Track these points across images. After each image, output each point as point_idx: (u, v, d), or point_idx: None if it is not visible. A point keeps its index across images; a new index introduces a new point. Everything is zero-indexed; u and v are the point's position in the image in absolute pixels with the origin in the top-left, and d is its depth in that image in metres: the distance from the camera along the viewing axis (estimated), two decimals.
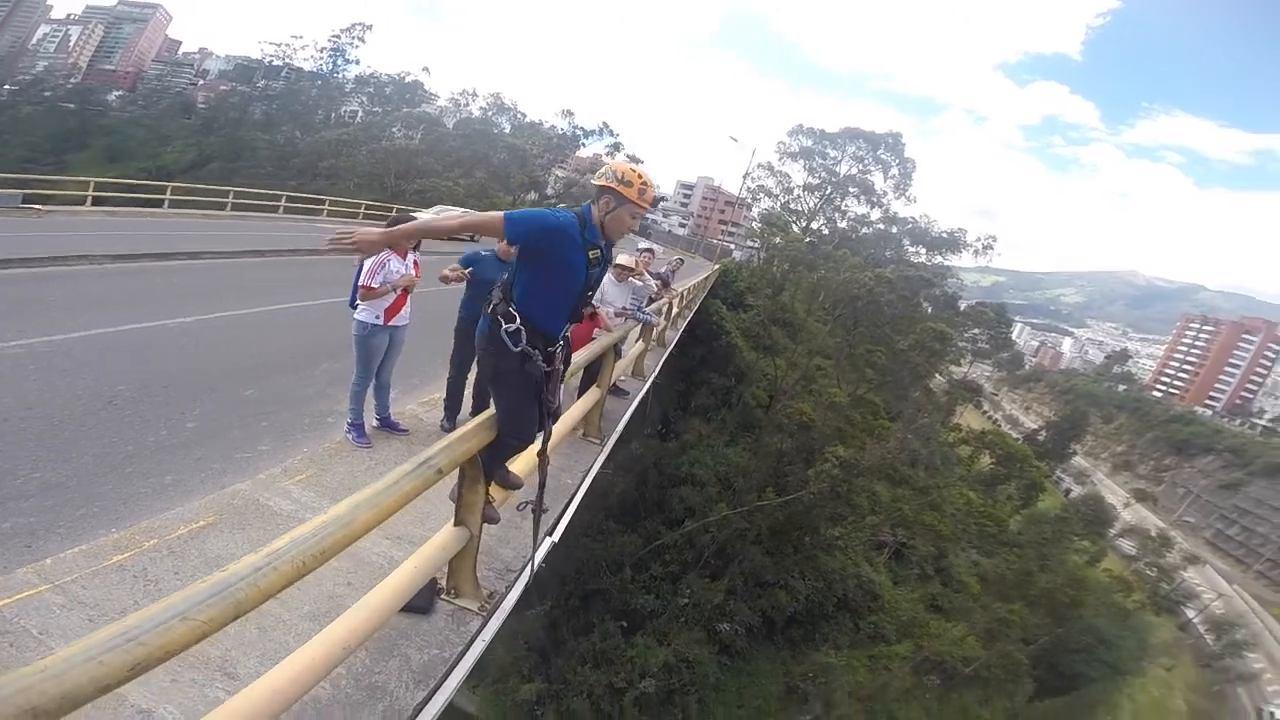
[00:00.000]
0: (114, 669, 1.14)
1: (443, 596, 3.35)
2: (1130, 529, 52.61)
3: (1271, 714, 41.17)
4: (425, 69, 59.53)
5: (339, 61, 59.12)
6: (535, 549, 3.58)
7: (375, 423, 5.74)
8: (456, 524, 3.09)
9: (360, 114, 59.51)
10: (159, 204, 22.28)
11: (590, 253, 2.91)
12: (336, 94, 59.52)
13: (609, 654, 22.31)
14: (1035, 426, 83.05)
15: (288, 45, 58.32)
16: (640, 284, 8.52)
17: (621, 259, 8.19)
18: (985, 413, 74.65)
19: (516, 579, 3.84)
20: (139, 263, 12.47)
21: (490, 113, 58.09)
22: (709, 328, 27.37)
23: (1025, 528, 36.04)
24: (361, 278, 5.12)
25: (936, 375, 44.02)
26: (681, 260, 18.18)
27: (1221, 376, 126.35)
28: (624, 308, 7.92)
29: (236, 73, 76.29)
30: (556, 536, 4.75)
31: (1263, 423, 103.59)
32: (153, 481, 4.57)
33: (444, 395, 6.33)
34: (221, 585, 1.43)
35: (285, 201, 27.96)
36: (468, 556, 3.26)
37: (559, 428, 4.88)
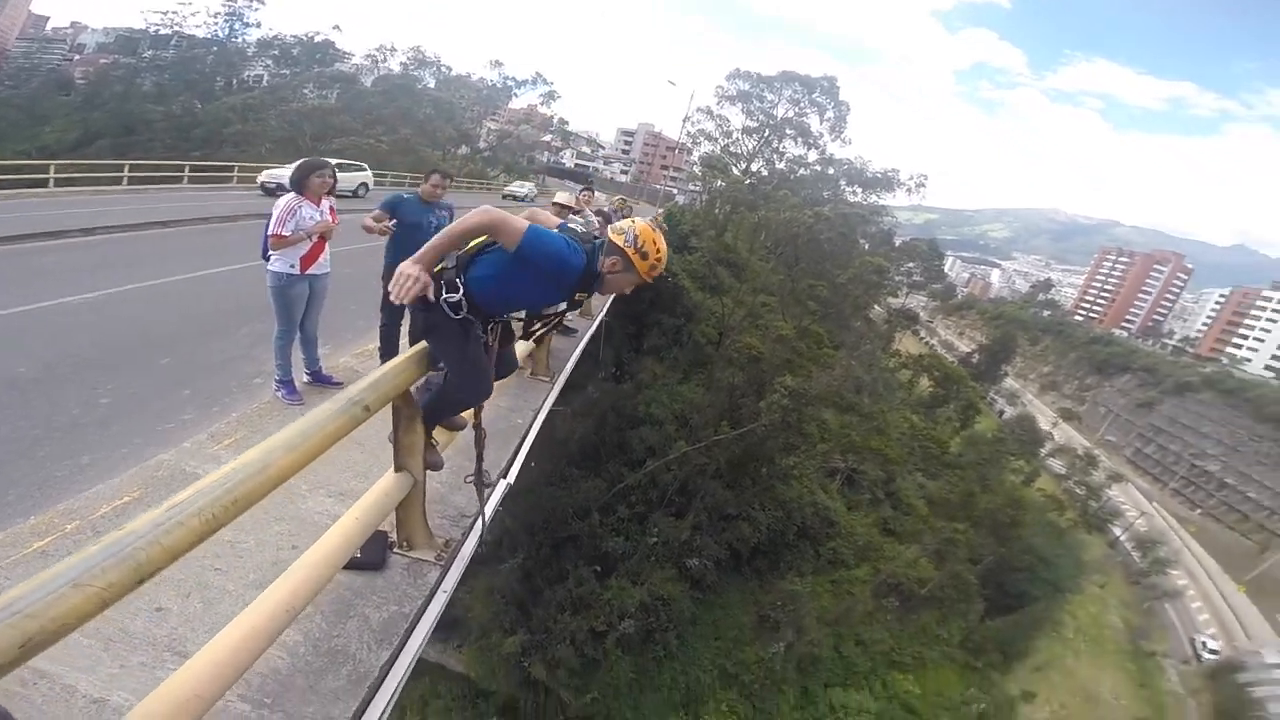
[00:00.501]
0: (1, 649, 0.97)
1: (395, 550, 3.19)
2: (1059, 448, 55.67)
3: (1204, 644, 43.90)
4: (336, 27, 57.03)
5: (236, 25, 55.39)
6: (483, 505, 3.50)
7: (306, 378, 5.54)
8: (397, 470, 2.91)
9: (266, 78, 56.08)
10: (44, 184, 20.54)
11: (577, 294, 2.87)
12: (237, 59, 55.83)
13: (586, 599, 22.64)
14: (969, 350, 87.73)
15: (175, 13, 54.05)
16: (582, 221, 8.56)
17: (560, 197, 8.20)
18: (922, 339, 78.24)
19: (473, 524, 3.71)
20: (28, 243, 11.42)
21: (411, 68, 55.78)
22: None
23: (965, 449, 38.16)
24: (271, 226, 4.83)
25: (876, 306, 45.85)
26: (631, 206, 18.04)
27: (1135, 303, 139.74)
28: None
29: (118, 45, 70.05)
30: (511, 479, 4.61)
31: (1172, 343, 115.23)
32: (68, 463, 4.30)
33: (378, 344, 6.20)
34: (118, 546, 1.24)
35: (189, 171, 26.38)
36: (414, 504, 3.09)
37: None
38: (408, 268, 2.56)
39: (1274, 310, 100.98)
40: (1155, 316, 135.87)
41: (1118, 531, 54.45)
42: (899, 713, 27.06)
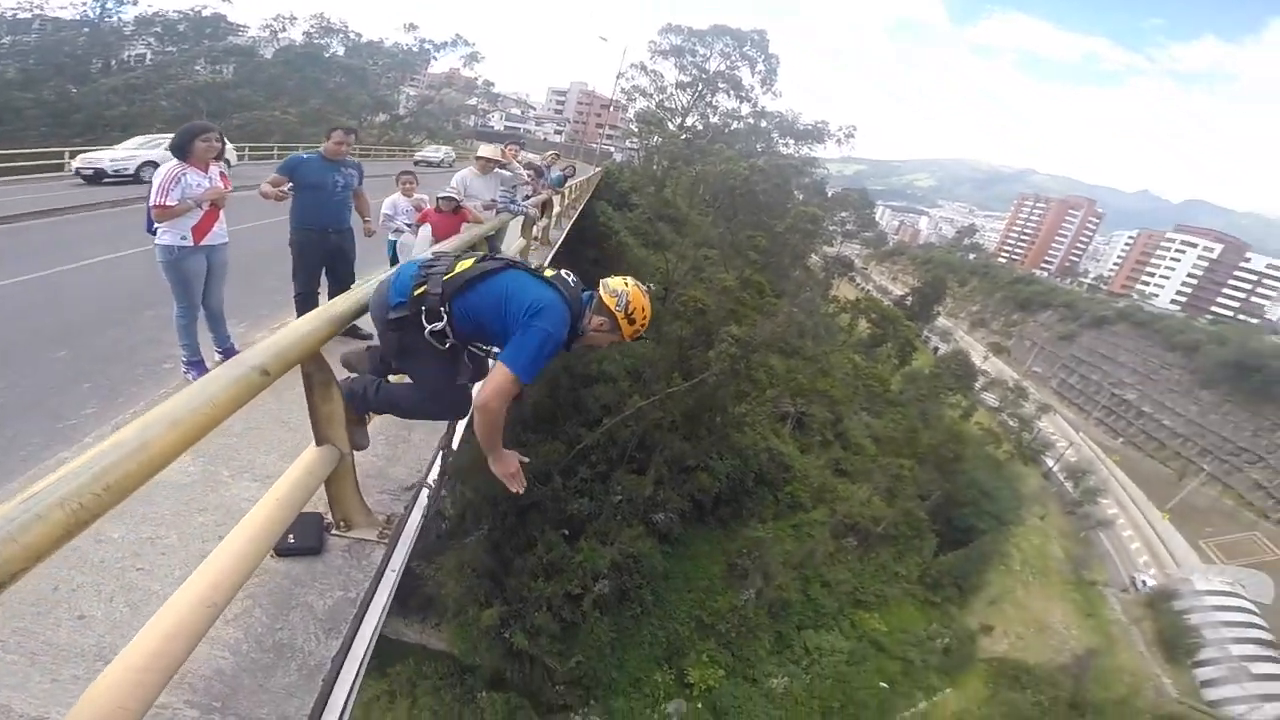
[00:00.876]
0: None
1: (333, 531, 2.95)
2: (992, 381, 57.90)
3: (1144, 581, 45.75)
4: None
5: (109, 4, 50.52)
6: (425, 476, 3.44)
7: (218, 358, 5.10)
8: (319, 443, 2.62)
9: (149, 57, 51.66)
10: None
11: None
12: (113, 39, 50.69)
13: (558, 564, 22.59)
14: (902, 294, 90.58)
15: None
16: (509, 174, 8.26)
17: (484, 150, 7.84)
18: (858, 285, 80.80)
19: (416, 497, 3.50)
20: None
21: (316, 36, 52.18)
22: (598, 230, 26.94)
23: (905, 386, 39.58)
24: (152, 197, 4.40)
25: (813, 255, 46.80)
26: (574, 166, 17.98)
27: (1053, 245, 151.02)
28: (492, 200, 7.62)
29: None
30: (454, 445, 4.31)
31: (1088, 281, 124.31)
32: None
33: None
34: None
35: (69, 159, 24.00)
36: (345, 480, 2.82)
37: None
38: (500, 469, 2.87)
39: (1176, 251, 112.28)
40: (1071, 257, 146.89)
41: (1050, 463, 57.01)
42: (868, 650, 28.14)
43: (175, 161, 4.52)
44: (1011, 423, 49.25)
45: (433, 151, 40.03)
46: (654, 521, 24.42)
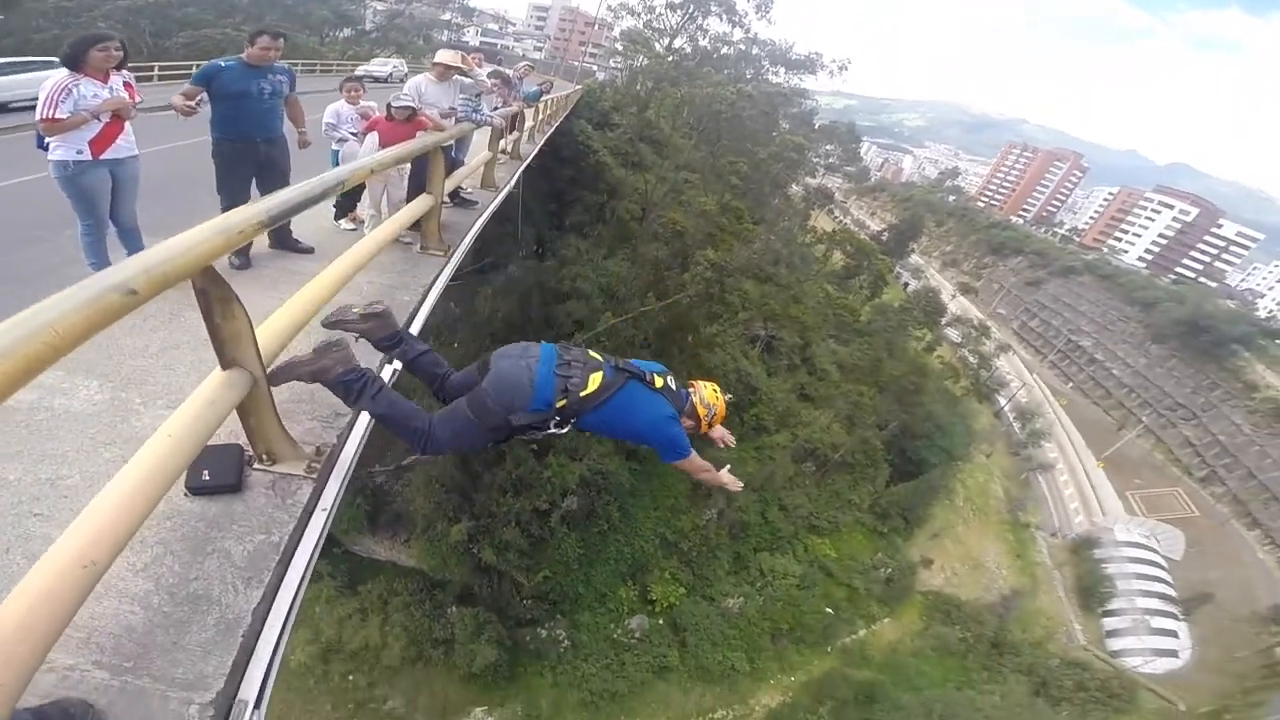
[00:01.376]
0: None
1: (255, 465, 2.63)
2: (957, 319, 58.28)
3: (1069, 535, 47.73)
4: None
5: None
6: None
7: None
8: (225, 366, 2.25)
9: None
10: None
11: None
12: None
13: (526, 479, 22.71)
14: (879, 229, 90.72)
15: None
16: (469, 81, 7.74)
17: (442, 55, 7.28)
18: (836, 218, 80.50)
19: (352, 424, 3.13)
20: None
21: None
22: (576, 148, 25.79)
23: (874, 317, 39.89)
24: (39, 110, 4.03)
25: (794, 185, 45.88)
26: (551, 82, 17.75)
27: (1033, 194, 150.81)
28: (451, 108, 7.08)
29: None
30: (398, 364, 3.90)
31: (1062, 232, 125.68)
32: None
33: None
34: None
35: None
36: (262, 407, 2.47)
37: (383, 234, 4.35)
38: (728, 486, 3.20)
39: (1153, 210, 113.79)
40: (1050, 208, 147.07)
41: (1002, 402, 58.92)
42: (818, 575, 29.48)
43: (66, 73, 4.18)
44: (971, 359, 50.20)
45: (379, 65, 34.02)
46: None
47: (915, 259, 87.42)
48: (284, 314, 2.82)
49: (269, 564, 2.29)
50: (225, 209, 5.12)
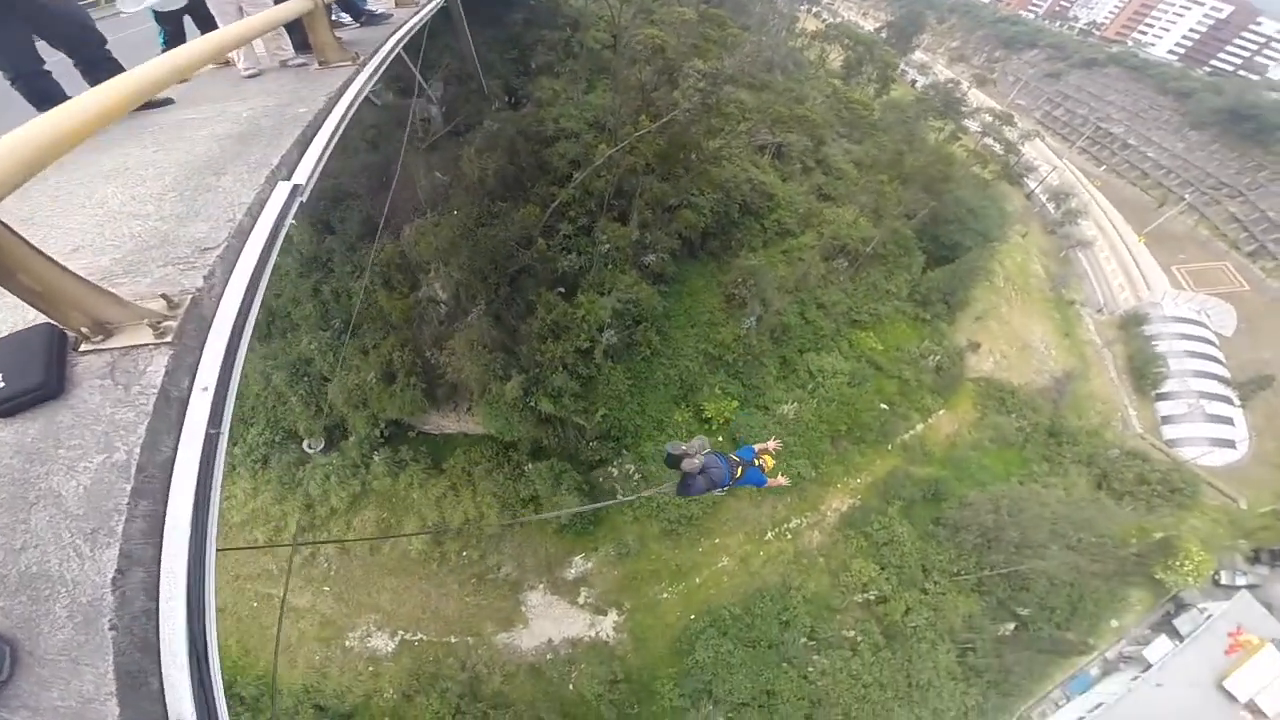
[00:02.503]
0: None
1: (81, 349, 1.74)
2: (977, 109, 54.57)
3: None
4: None
5: None
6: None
7: None
8: None
9: None
10: None
11: None
12: None
13: (561, 323, 22.12)
14: (875, 27, 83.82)
15: None
16: None
17: None
18: (824, 20, 74.31)
19: (233, 264, 2.31)
20: None
21: None
22: None
23: (885, 113, 37.29)
24: None
25: None
26: None
27: None
28: None
29: None
30: (301, 178, 3.24)
31: (1079, 26, 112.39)
32: None
33: None
34: None
35: None
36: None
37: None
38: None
39: (1180, 7, 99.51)
40: (1063, 2, 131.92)
41: (1032, 185, 55.83)
42: (868, 370, 28.66)
43: None
44: (997, 146, 47.06)
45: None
46: (646, 265, 23.74)
47: (919, 55, 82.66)
48: None
49: (119, 502, 1.46)
50: None
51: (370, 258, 21.55)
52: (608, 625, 24.14)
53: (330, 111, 4.41)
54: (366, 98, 5.51)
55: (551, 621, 24.14)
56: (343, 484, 24.15)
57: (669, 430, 24.90)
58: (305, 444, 24.96)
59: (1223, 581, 30.34)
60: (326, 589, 24.46)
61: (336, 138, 4.38)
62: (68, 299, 1.75)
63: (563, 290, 22.71)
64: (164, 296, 2.00)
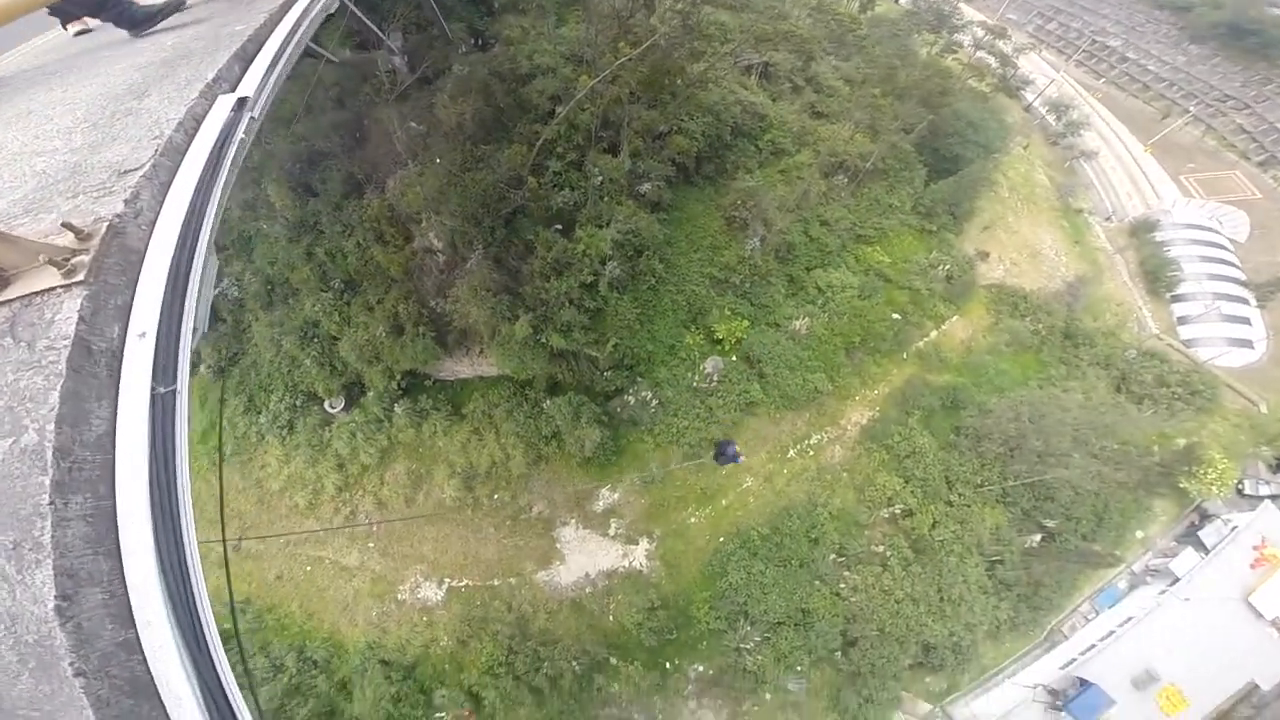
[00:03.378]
0: None
1: None
2: (969, 23, 52.26)
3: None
4: None
5: None
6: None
7: None
8: None
9: None
10: None
11: None
12: None
13: (563, 259, 21.66)
14: None
15: None
16: None
17: None
18: None
19: (166, 187, 1.80)
20: None
21: None
22: None
23: (873, 29, 35.75)
24: None
25: None
26: None
27: None
28: None
29: None
30: (248, 91, 2.80)
31: None
32: None
33: None
34: None
35: None
36: None
37: None
38: None
39: None
40: None
41: (1030, 97, 53.69)
42: (877, 282, 27.78)
43: None
44: (991, 60, 45.08)
45: None
46: (642, 194, 23.01)
47: None
48: None
49: (37, 501, 1.10)
50: None
51: (358, 214, 21.15)
52: (640, 554, 24.02)
53: (275, 27, 3.99)
54: (324, 55, 5.06)
55: (586, 555, 24.10)
56: (369, 440, 24.12)
57: (681, 354, 24.51)
58: (326, 404, 24.94)
59: (1246, 491, 29.17)
60: (371, 545, 24.65)
61: (289, 53, 3.92)
62: None
63: (560, 227, 22.17)
64: (68, 226, 1.59)
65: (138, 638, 1.16)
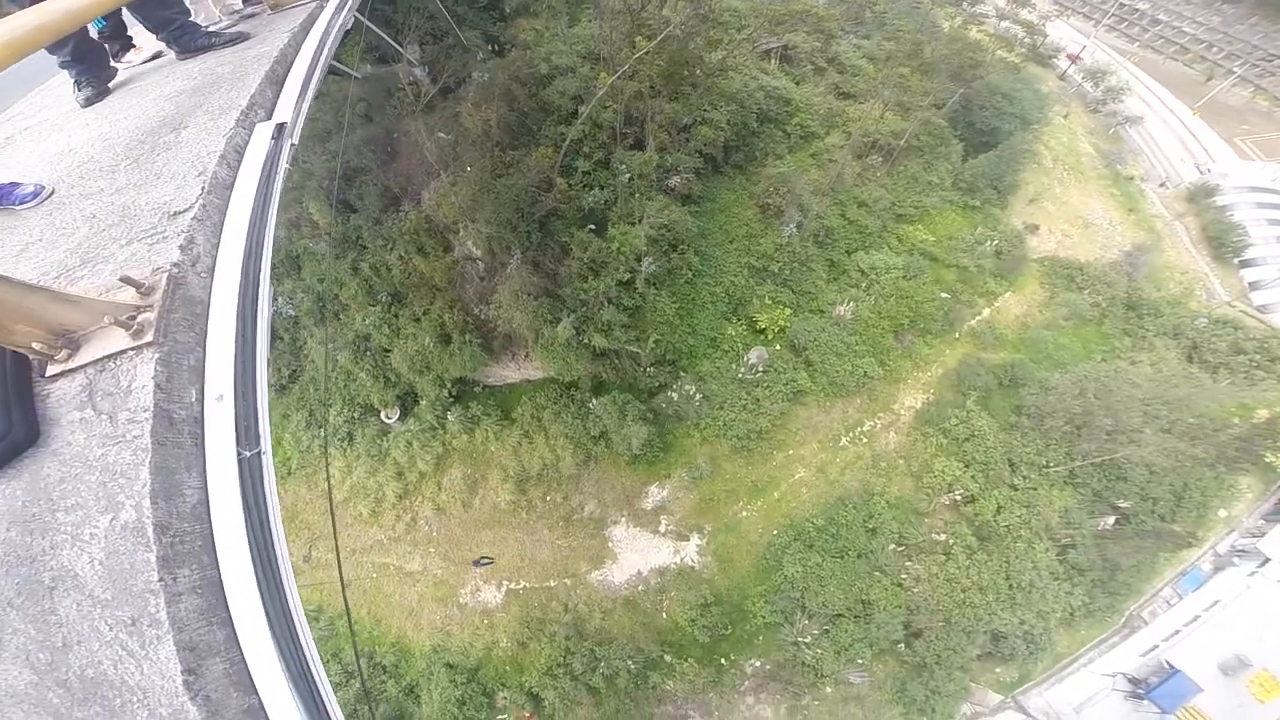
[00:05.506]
0: None
1: (48, 373, 1.22)
2: None
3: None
4: None
5: None
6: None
7: None
8: None
9: None
10: None
11: None
12: None
13: (599, 259, 20.55)
14: None
15: None
16: None
17: None
18: None
19: (220, 225, 1.67)
20: None
21: None
22: None
23: (890, 4, 33.16)
24: None
25: None
26: None
27: None
28: None
29: None
30: (285, 116, 2.35)
31: None
32: None
33: None
34: None
35: None
36: None
37: None
38: None
39: None
40: None
41: (1063, 65, 49.57)
42: (922, 262, 25.48)
43: None
44: (1018, 30, 41.61)
45: None
46: (672, 188, 21.53)
47: None
48: None
49: (147, 578, 1.05)
50: None
51: (397, 227, 20.39)
52: (691, 550, 22.44)
53: (301, 45, 3.60)
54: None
55: (638, 554, 22.72)
56: (425, 448, 23.47)
57: (724, 346, 22.89)
58: (382, 415, 24.43)
59: None
60: (432, 550, 23.97)
61: (318, 71, 3.56)
62: (34, 321, 1.17)
63: (593, 227, 20.97)
64: (128, 280, 1.39)
65: (260, 703, 1.16)
